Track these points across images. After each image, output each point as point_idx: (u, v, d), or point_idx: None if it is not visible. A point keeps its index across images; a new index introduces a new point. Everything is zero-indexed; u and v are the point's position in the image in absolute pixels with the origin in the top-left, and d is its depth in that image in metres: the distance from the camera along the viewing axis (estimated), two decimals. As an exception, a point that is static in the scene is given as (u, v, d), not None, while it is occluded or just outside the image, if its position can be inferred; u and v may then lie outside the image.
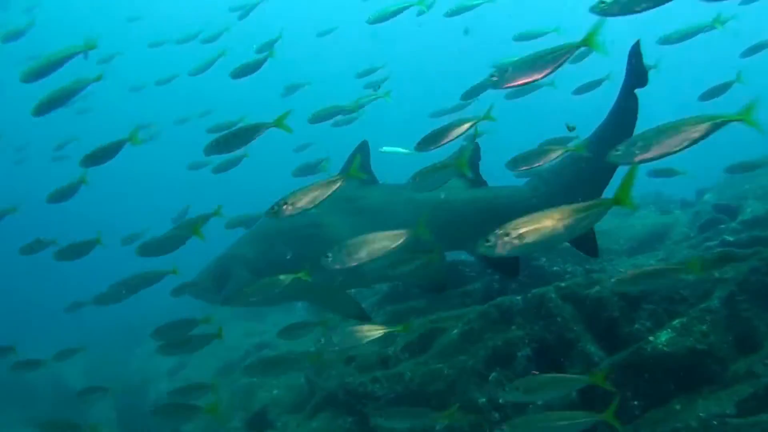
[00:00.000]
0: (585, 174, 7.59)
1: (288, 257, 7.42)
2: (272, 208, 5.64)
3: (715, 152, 11.36)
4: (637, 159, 4.76)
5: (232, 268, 7.66)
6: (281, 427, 8.75)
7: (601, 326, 6.58)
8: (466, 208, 7.77)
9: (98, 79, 7.34)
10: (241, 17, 15.16)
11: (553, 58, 5.20)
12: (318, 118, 10.22)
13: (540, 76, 5.29)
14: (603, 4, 4.92)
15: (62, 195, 8.56)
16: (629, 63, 7.15)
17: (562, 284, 7.13)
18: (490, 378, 6.57)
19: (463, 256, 10.20)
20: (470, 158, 7.03)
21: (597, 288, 6.79)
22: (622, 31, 8.29)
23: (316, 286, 7.10)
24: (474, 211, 7.69)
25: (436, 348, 7.47)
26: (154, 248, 7.62)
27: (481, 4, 11.58)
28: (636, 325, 6.43)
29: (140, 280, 7.52)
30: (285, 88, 15.72)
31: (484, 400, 6.42)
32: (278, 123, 6.63)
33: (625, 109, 7.30)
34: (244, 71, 10.04)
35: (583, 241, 7.76)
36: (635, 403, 5.90)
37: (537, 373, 5.92)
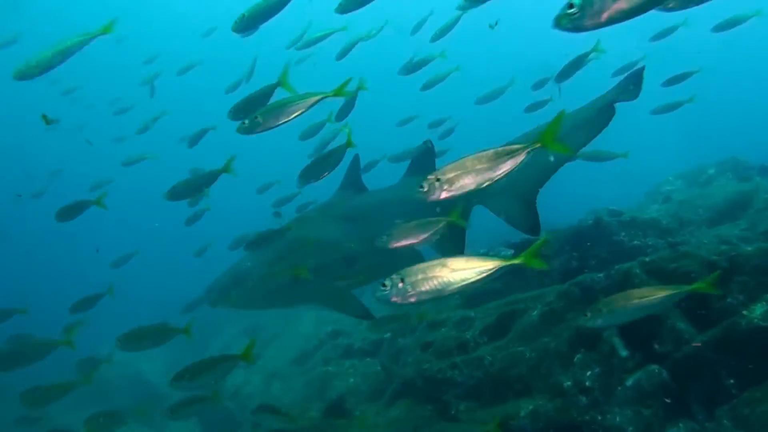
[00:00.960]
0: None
1: (295, 263, 7.82)
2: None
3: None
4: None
5: (245, 275, 8.04)
6: (360, 415, 8.61)
7: (691, 301, 6.22)
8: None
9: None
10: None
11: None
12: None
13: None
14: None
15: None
16: (627, 80, 7.35)
17: (647, 259, 6.81)
18: (575, 360, 6.27)
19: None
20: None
21: (685, 261, 6.43)
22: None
23: (324, 288, 7.81)
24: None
25: (515, 330, 7.23)
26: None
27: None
28: (728, 299, 6.04)
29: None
30: None
31: (569, 383, 6.11)
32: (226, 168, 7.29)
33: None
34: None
35: (524, 218, 7.95)
36: (731, 381, 5.60)
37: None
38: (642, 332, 6.26)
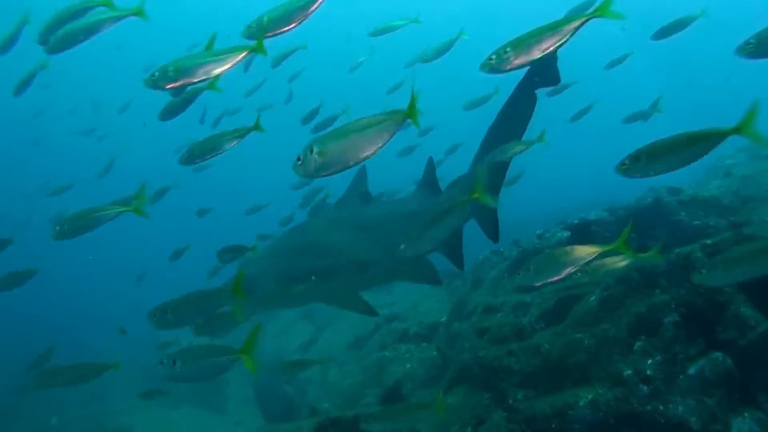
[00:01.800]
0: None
1: (303, 268, 8.11)
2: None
3: None
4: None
5: (258, 278, 8.12)
6: (417, 401, 8.58)
7: (757, 286, 6.00)
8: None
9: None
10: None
11: None
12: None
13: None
14: None
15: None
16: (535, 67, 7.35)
17: (708, 241, 6.62)
18: (636, 347, 6.11)
19: (592, 215, 9.71)
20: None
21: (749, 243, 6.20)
22: None
23: (332, 289, 8.11)
24: None
25: (573, 316, 7.09)
26: None
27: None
28: (797, 284, 5.83)
29: None
30: None
31: (630, 371, 5.94)
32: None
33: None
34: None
35: (487, 225, 8.11)
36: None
37: None
38: (705, 318, 6.10)
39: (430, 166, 8.84)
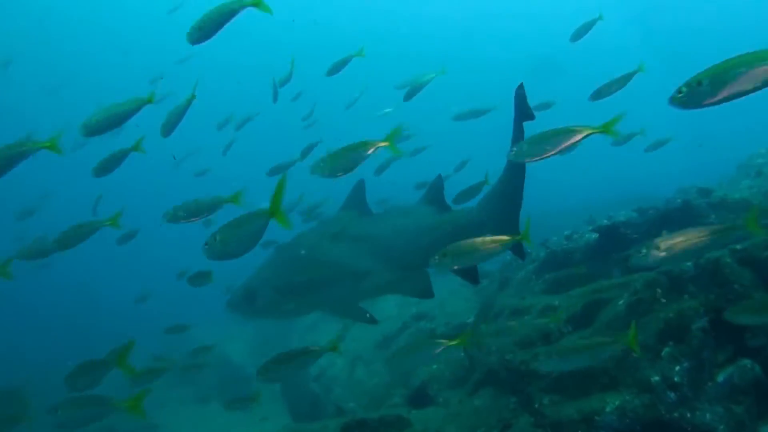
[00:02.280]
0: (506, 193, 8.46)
1: (302, 279, 8.47)
2: None
3: None
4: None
5: (258, 288, 8.56)
6: (443, 402, 8.58)
7: (786, 293, 5.97)
8: (439, 230, 8.63)
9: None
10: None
11: None
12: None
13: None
14: None
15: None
16: (516, 102, 7.85)
17: (738, 246, 6.54)
18: (663, 354, 6.07)
19: (621, 216, 9.68)
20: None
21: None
22: None
23: (331, 299, 8.44)
24: (443, 232, 8.53)
25: (601, 320, 7.07)
26: None
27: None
28: (828, 290, 5.78)
29: None
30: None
31: (657, 378, 5.90)
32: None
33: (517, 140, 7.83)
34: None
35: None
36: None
37: None
38: (734, 325, 6.03)
39: (438, 183, 9.07)
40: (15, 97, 39.98)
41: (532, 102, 7.91)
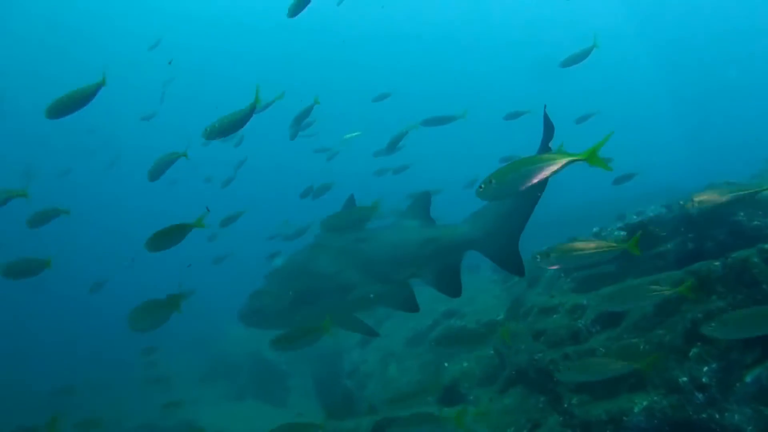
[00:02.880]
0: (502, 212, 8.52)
1: (304, 289, 8.82)
2: None
3: None
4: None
5: (264, 300, 8.92)
6: (473, 400, 8.68)
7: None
8: (424, 247, 8.84)
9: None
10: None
11: None
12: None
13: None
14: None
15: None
16: (545, 122, 7.81)
17: (766, 246, 6.54)
18: (691, 354, 6.12)
19: (650, 211, 9.67)
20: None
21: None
22: None
23: (331, 311, 8.28)
24: (427, 250, 8.78)
25: (629, 320, 7.10)
26: None
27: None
28: None
29: None
30: None
31: (685, 378, 5.96)
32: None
33: None
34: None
35: (510, 262, 8.55)
36: None
37: None
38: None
39: (425, 198, 9.32)
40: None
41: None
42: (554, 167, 5.18)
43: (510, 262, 8.48)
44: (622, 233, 9.25)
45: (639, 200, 12.79)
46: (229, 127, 7.53)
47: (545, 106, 7.84)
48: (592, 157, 5.08)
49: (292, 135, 12.13)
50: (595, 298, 7.90)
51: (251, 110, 7.52)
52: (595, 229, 10.20)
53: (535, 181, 5.25)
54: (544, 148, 7.83)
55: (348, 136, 16.52)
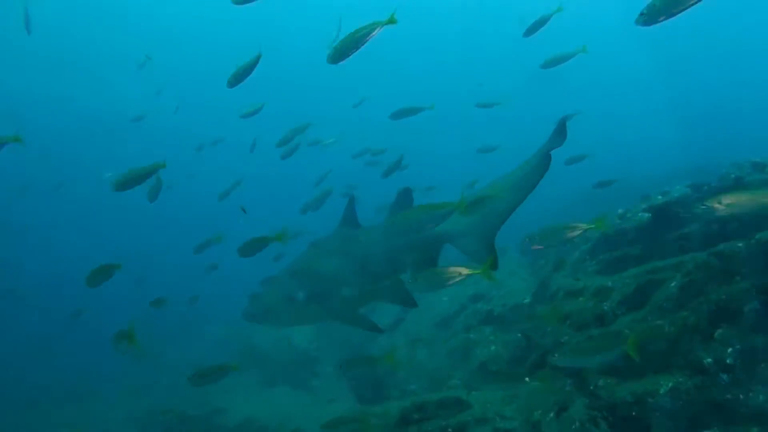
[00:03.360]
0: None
1: (304, 291, 8.87)
2: None
3: None
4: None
5: (271, 299, 9.06)
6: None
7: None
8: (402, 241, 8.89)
9: None
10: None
11: None
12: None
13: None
14: None
15: None
16: (558, 129, 7.65)
17: (788, 229, 6.55)
18: (716, 335, 6.15)
19: (675, 192, 9.69)
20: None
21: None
22: None
23: (334, 310, 8.84)
24: (406, 242, 8.84)
25: (654, 302, 7.13)
26: None
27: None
28: None
29: None
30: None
31: (710, 360, 5.98)
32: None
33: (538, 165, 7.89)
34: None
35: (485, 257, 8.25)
36: None
37: None
38: (786, 305, 6.08)
39: (406, 195, 9.26)
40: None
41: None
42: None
43: (484, 258, 8.34)
44: (647, 215, 9.28)
45: (666, 179, 12.79)
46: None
47: (566, 115, 7.84)
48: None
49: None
50: (620, 280, 7.94)
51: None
52: (620, 211, 10.25)
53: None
54: (544, 152, 7.80)
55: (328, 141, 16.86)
